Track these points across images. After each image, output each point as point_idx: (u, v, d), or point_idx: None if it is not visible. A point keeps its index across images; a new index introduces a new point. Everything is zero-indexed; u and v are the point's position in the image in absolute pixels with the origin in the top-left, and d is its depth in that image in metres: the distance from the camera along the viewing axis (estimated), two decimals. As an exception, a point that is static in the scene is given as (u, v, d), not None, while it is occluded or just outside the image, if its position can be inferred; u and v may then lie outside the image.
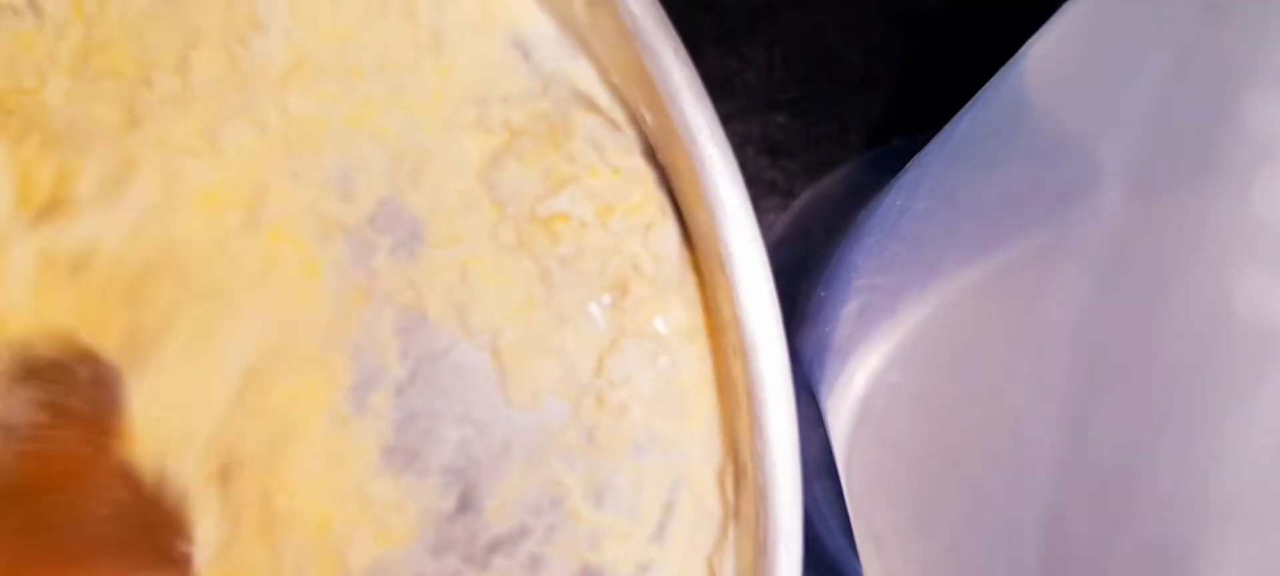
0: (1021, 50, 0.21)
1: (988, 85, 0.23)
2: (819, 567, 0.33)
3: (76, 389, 0.23)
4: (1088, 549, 0.17)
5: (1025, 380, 0.20)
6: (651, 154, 0.26)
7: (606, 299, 0.27)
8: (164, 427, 0.25)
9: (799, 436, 0.23)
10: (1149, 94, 0.16)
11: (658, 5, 0.22)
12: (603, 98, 0.26)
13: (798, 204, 0.38)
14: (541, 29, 0.26)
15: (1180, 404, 0.15)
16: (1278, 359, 0.14)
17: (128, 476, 0.23)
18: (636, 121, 0.26)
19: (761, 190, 0.39)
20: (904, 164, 0.29)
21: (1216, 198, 0.14)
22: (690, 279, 0.26)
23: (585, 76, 0.26)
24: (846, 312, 0.29)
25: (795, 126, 0.39)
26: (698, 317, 0.26)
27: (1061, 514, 0.18)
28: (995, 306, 0.21)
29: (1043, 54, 0.21)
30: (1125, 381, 0.17)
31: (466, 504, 0.27)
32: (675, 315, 0.27)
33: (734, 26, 0.38)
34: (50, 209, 0.25)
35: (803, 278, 0.35)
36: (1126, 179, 0.17)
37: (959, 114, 0.25)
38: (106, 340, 0.24)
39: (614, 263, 0.27)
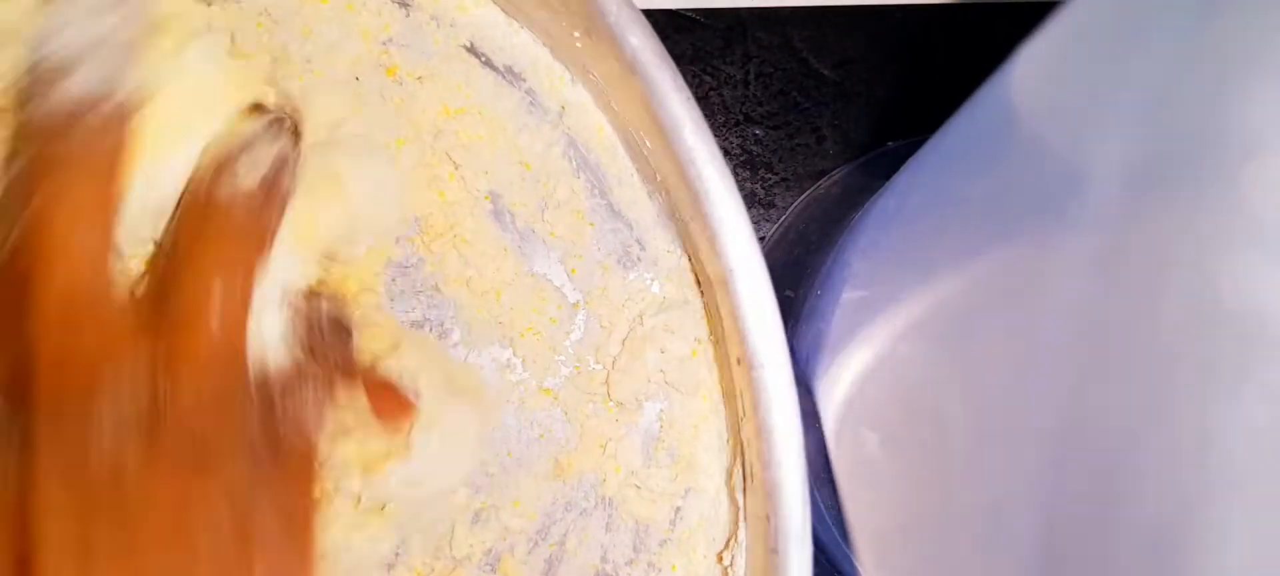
0: (1013, 54, 0.22)
1: (980, 89, 0.24)
2: (817, 565, 0.33)
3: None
4: (1083, 529, 0.17)
5: (1020, 370, 0.20)
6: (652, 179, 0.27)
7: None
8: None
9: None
10: (1141, 91, 0.16)
11: (656, 38, 0.22)
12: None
13: (794, 206, 0.39)
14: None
15: (1174, 389, 0.15)
16: (1268, 344, 0.14)
17: None
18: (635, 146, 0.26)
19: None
20: (897, 167, 0.29)
21: (1207, 189, 0.15)
22: (695, 295, 0.27)
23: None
24: (841, 310, 0.29)
25: (772, 139, 0.40)
26: (702, 330, 0.27)
27: (1057, 498, 0.18)
28: (990, 300, 0.21)
29: (1034, 58, 0.21)
30: (1119, 369, 0.17)
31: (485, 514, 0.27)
32: (682, 330, 0.27)
33: (709, 45, 0.39)
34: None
35: (799, 278, 0.36)
36: (1119, 173, 0.17)
37: (951, 117, 0.25)
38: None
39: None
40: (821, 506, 0.34)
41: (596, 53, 0.24)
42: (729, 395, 0.27)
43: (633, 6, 0.22)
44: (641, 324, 0.27)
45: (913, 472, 0.25)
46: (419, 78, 0.27)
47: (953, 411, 0.23)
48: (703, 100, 0.39)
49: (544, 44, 0.27)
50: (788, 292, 0.34)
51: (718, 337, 0.27)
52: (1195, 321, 0.15)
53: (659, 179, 0.26)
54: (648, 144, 0.25)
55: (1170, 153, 0.16)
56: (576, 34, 0.24)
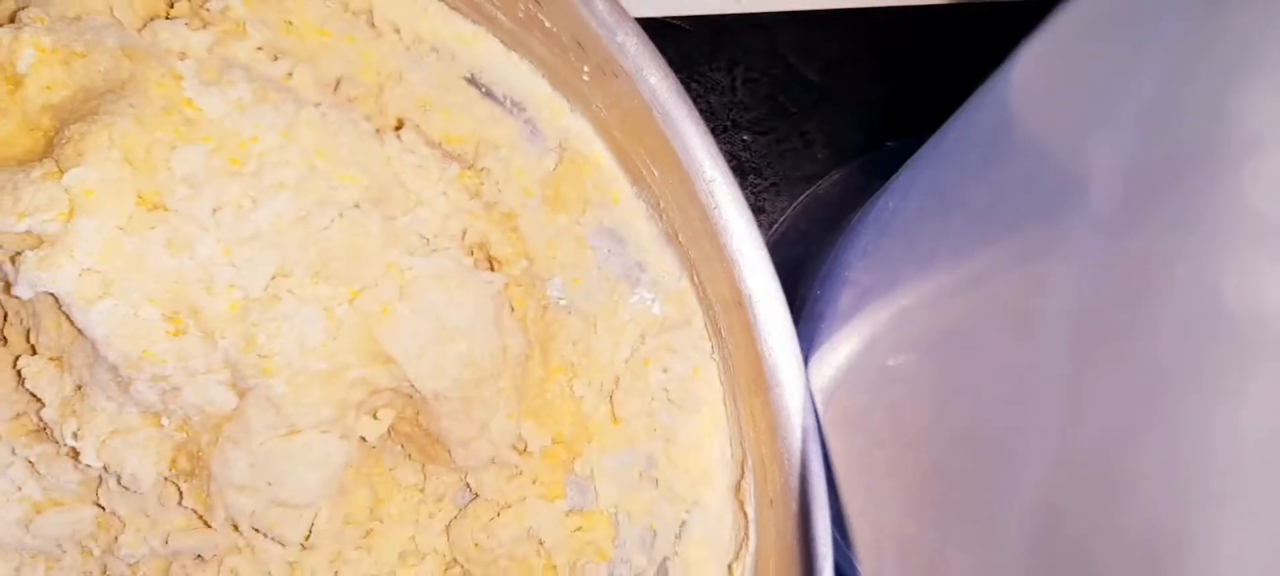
0: (1011, 55, 0.22)
1: (979, 89, 0.23)
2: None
3: None
4: (1079, 532, 0.17)
5: (1018, 370, 0.20)
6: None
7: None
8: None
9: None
10: (1142, 91, 0.16)
11: (672, 74, 0.23)
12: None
13: (794, 206, 0.39)
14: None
15: (1173, 391, 0.15)
16: (1270, 344, 0.14)
17: None
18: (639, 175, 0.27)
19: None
20: (897, 167, 0.29)
21: (1208, 188, 0.15)
22: (697, 316, 0.27)
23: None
24: (840, 310, 0.29)
25: (760, 144, 0.40)
26: (705, 349, 0.27)
27: (1053, 499, 0.18)
28: (988, 299, 0.21)
29: (1033, 58, 0.21)
30: (1118, 371, 0.17)
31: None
32: (684, 349, 0.27)
33: (695, 52, 0.39)
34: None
35: (800, 276, 0.36)
36: (1120, 173, 0.17)
37: (950, 118, 0.25)
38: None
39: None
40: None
41: (607, 90, 0.24)
42: (734, 411, 0.27)
43: (650, 45, 0.22)
44: (643, 343, 0.27)
45: (908, 473, 0.25)
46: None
47: (950, 411, 0.23)
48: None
49: (543, 75, 0.27)
50: (788, 291, 0.34)
51: (724, 356, 0.27)
52: (1196, 322, 0.15)
53: (661, 205, 0.26)
54: (656, 172, 0.25)
55: (1171, 152, 0.16)
56: (584, 70, 0.24)
